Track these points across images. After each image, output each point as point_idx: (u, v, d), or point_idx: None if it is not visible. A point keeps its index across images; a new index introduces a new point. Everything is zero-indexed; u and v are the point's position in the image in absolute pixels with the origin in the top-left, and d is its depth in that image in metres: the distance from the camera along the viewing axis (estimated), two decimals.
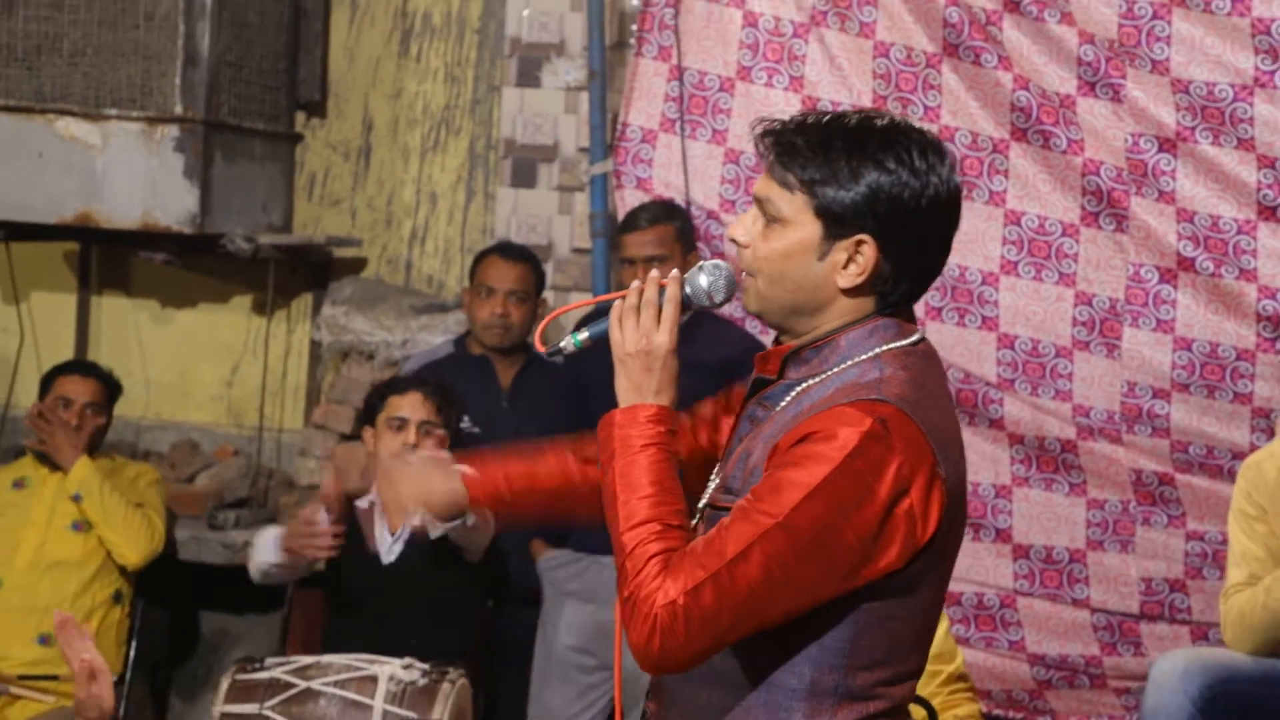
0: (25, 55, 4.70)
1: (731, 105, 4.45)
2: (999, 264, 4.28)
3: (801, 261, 1.97)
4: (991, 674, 4.33)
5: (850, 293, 1.98)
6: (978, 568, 4.35)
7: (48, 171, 4.71)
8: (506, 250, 4.54)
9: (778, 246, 1.98)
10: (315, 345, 5.23)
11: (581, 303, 2.21)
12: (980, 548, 4.35)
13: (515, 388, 4.37)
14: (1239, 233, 4.05)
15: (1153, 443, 4.20)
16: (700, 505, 2.07)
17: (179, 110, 4.67)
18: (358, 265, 5.32)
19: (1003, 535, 4.35)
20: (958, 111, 4.25)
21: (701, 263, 2.09)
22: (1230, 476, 4.06)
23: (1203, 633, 4.20)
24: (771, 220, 1.99)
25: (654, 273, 2.06)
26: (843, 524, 1.87)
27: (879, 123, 1.98)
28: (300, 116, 5.32)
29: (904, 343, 1.99)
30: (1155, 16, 4.01)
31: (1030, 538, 4.34)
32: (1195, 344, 4.15)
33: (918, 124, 2.02)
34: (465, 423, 4.29)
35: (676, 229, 4.16)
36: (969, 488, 4.23)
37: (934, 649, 3.33)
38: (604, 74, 4.71)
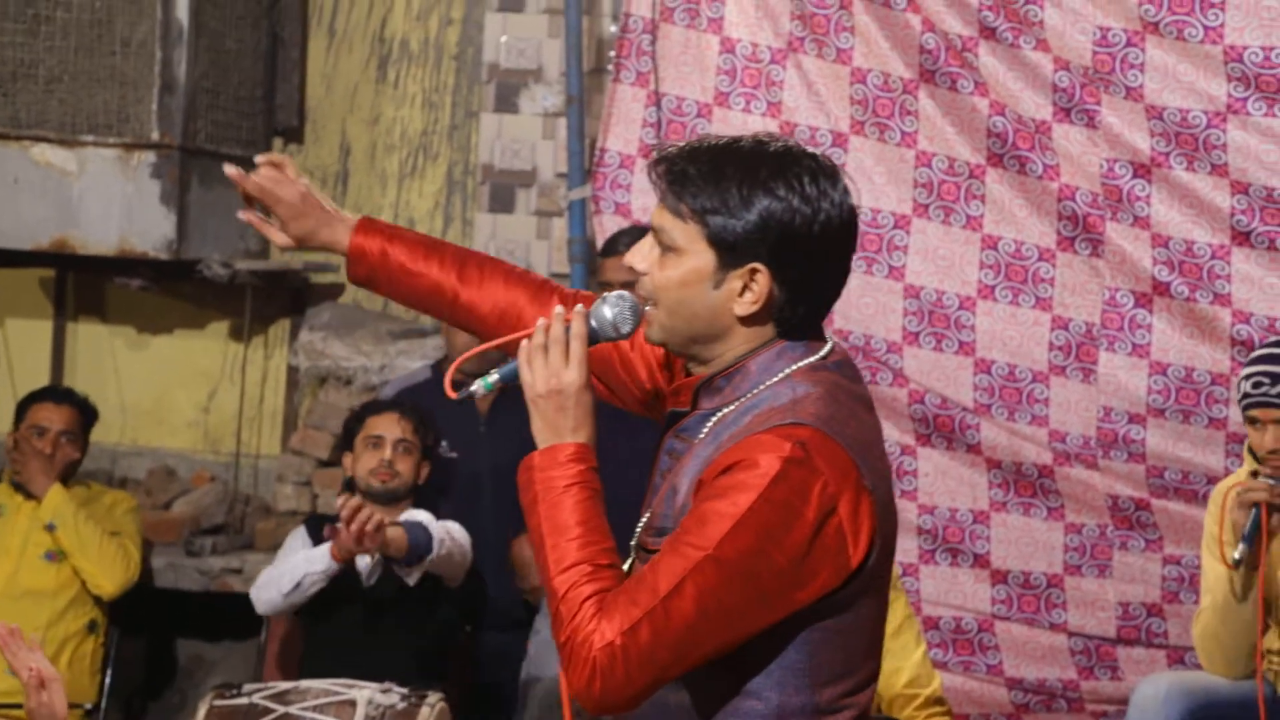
0: (1, 82, 4.69)
1: (709, 131, 4.46)
2: (976, 288, 4.30)
3: (697, 290, 1.96)
4: (969, 698, 4.33)
5: (747, 321, 1.97)
6: (956, 592, 4.35)
7: (23, 198, 4.70)
8: None
9: (673, 275, 1.97)
10: (292, 371, 5.22)
11: (489, 345, 2.20)
12: (958, 572, 4.35)
13: (493, 413, 4.37)
14: (1213, 258, 4.08)
15: (1129, 468, 4.22)
16: (631, 544, 2.05)
17: (156, 136, 4.67)
18: (335, 291, 5.31)
19: (980, 560, 4.35)
20: (934, 137, 4.28)
21: (605, 294, 2.06)
22: (1205, 501, 4.08)
23: (1179, 656, 4.21)
24: (667, 249, 1.98)
25: (558, 308, 2.03)
26: (772, 550, 1.87)
27: (771, 148, 1.97)
28: (278, 142, 5.31)
29: (813, 359, 1.98)
30: (1129, 44, 4.04)
31: (1008, 563, 4.35)
32: (1170, 369, 4.16)
33: (811, 149, 2.00)
34: (443, 447, 4.29)
35: None
36: (946, 512, 4.30)
37: (911, 673, 3.37)
38: (582, 100, 4.73)
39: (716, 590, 1.87)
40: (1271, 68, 3.91)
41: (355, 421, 4.14)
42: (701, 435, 1.99)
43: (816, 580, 1.89)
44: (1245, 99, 3.96)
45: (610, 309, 2.03)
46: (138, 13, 4.68)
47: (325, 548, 3.85)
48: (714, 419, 1.99)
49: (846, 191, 1.98)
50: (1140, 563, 4.26)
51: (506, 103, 5.06)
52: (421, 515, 3.91)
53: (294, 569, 3.89)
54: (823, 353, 2.00)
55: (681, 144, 2.02)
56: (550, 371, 1.99)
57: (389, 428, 4.05)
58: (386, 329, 5.11)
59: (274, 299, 5.26)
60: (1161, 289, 4.13)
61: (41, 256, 4.92)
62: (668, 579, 1.88)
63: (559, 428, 1.99)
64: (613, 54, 4.62)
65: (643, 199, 4.55)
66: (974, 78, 4.21)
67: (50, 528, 4.41)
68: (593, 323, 2.02)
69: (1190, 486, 4.17)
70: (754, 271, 1.94)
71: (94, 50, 4.68)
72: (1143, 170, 4.10)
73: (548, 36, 5.03)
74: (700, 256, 1.96)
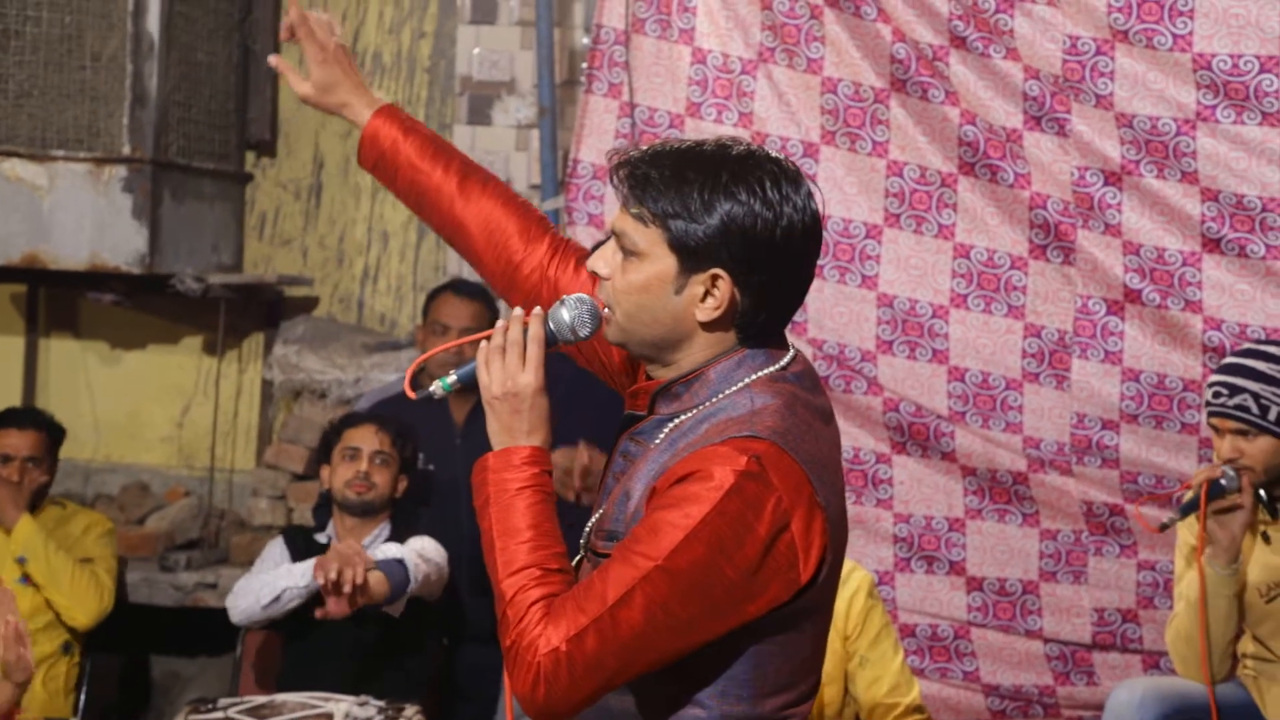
0: None
1: None
2: (949, 297, 4.31)
3: (659, 295, 1.95)
4: (946, 705, 4.34)
5: (709, 326, 1.96)
6: (931, 600, 4.36)
7: None
8: (460, 288, 4.54)
9: (635, 280, 1.95)
10: (267, 385, 5.21)
11: (449, 344, 2.20)
12: (934, 580, 4.36)
13: (469, 424, 4.36)
14: (1184, 265, 4.10)
15: (1103, 474, 4.23)
16: (580, 543, 2.05)
17: (127, 150, 4.66)
18: (309, 304, 5.30)
19: (956, 567, 4.36)
20: (906, 146, 4.29)
21: (564, 297, 2.05)
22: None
23: (1155, 661, 4.22)
24: (628, 254, 1.96)
25: (516, 310, 2.02)
26: (723, 563, 1.86)
27: (734, 151, 1.96)
28: (250, 156, 5.31)
29: (773, 368, 1.97)
30: (1098, 52, 4.06)
31: (984, 569, 4.36)
32: (1143, 375, 4.18)
33: (775, 153, 1.99)
34: (420, 459, 4.28)
35: None
36: (921, 519, 4.30)
37: (891, 681, 3.37)
38: (554, 111, 4.73)
39: (666, 601, 1.86)
40: (1240, 75, 3.93)
41: (333, 434, 4.13)
42: (658, 441, 1.98)
43: (766, 594, 1.89)
44: (1214, 106, 3.98)
45: (568, 312, 2.02)
46: (108, 27, 4.67)
47: (308, 563, 3.84)
48: (670, 425, 1.98)
49: (810, 196, 1.97)
50: (1115, 568, 4.27)
51: (479, 115, 5.06)
52: (393, 550, 3.88)
53: (274, 581, 3.88)
54: (783, 362, 1.99)
55: (644, 147, 2.00)
56: (507, 374, 1.98)
57: (366, 440, 4.05)
58: (361, 342, 5.10)
59: (248, 313, 5.25)
60: (1133, 296, 4.15)
61: (12, 272, 4.90)
62: (616, 588, 1.87)
63: (514, 430, 1.99)
64: (585, 65, 4.63)
65: (615, 209, 4.55)
66: (945, 87, 4.22)
67: (21, 560, 4.36)
68: (550, 325, 2.02)
69: (1164, 491, 4.19)
70: (715, 277, 1.93)
71: (64, 64, 4.67)
72: (1113, 178, 4.12)
73: (520, 49, 5.04)
74: (662, 261, 1.94)
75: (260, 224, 5.34)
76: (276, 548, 4.10)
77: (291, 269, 5.27)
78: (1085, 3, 4.03)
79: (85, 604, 4.38)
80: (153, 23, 4.66)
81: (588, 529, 2.06)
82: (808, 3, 4.32)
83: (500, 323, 2.01)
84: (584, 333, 2.03)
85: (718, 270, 1.93)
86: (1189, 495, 3.54)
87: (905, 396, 4.31)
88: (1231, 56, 3.95)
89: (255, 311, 5.27)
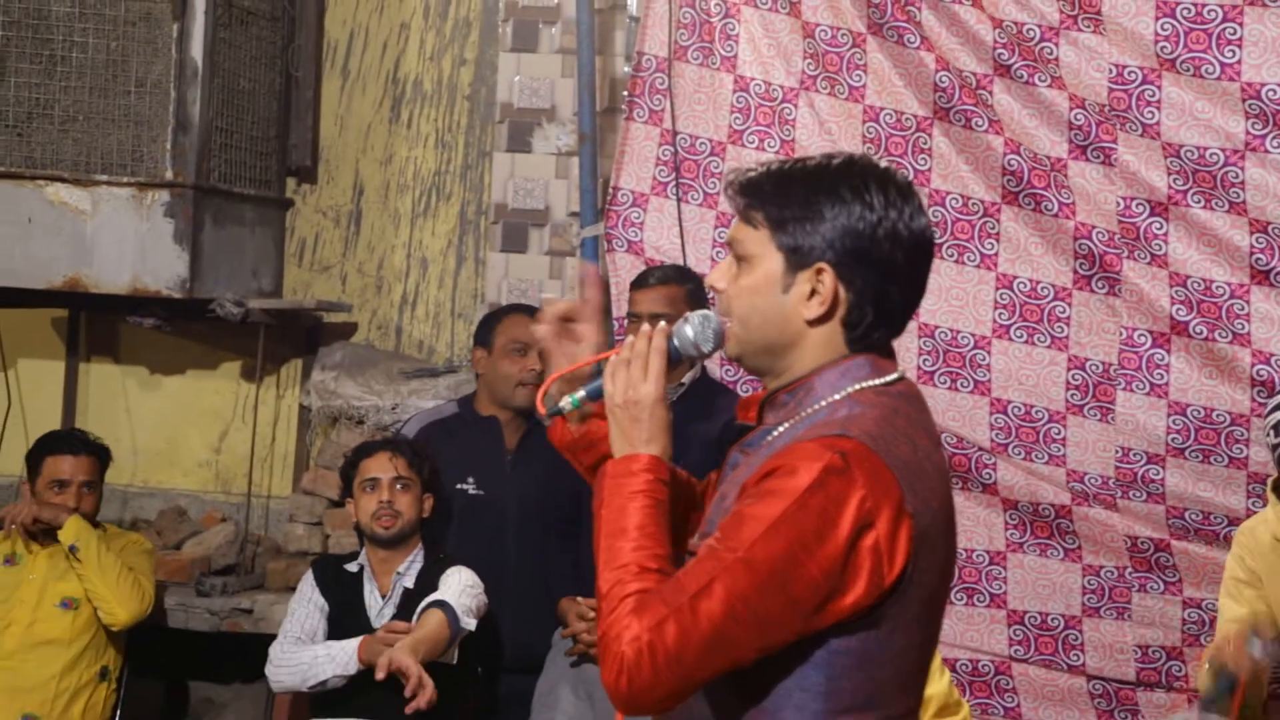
0: (16, 121, 4.70)
1: (723, 169, 4.45)
2: (991, 328, 4.27)
3: (768, 295, 2.01)
4: None
5: (816, 324, 2.00)
6: (972, 634, 4.30)
7: (37, 237, 4.70)
8: (531, 310, 4.48)
9: (746, 284, 2.03)
10: (304, 410, 5.20)
11: (580, 363, 2.23)
12: (974, 613, 4.31)
13: (520, 449, 4.33)
14: (1232, 297, 4.04)
15: (1148, 508, 4.17)
16: (685, 553, 2.07)
17: (169, 175, 4.67)
18: (348, 330, 5.30)
19: (997, 601, 4.30)
20: (948, 175, 4.26)
21: (688, 314, 2.12)
22: (1227, 542, 4.02)
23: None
24: (741, 260, 2.04)
25: (644, 326, 2.09)
26: (805, 559, 1.85)
27: (838, 160, 2.03)
28: (291, 182, 5.32)
29: (877, 381, 2.00)
30: (1145, 81, 4.02)
31: (1025, 604, 4.30)
32: (1190, 409, 4.12)
33: (885, 165, 2.05)
34: (469, 484, 4.25)
35: (687, 291, 4.08)
36: (961, 552, 4.25)
37: (940, 701, 3.32)
38: (595, 138, 4.72)
39: (746, 594, 1.86)
40: None
41: (349, 467, 4.12)
42: (762, 448, 2.00)
43: (849, 594, 1.87)
44: (1264, 136, 3.93)
45: (692, 328, 2.10)
46: (152, 53, 4.69)
47: (352, 647, 3.84)
48: (775, 432, 2.00)
49: (920, 208, 2.02)
50: (1160, 605, 4.21)
51: (519, 142, 5.06)
52: (441, 599, 3.88)
53: (319, 666, 3.88)
54: (889, 378, 2.01)
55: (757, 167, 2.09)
56: (629, 383, 2.04)
57: (383, 468, 4.03)
58: (399, 368, 5.09)
59: (286, 338, 5.25)
60: (1180, 328, 4.09)
61: (54, 296, 4.91)
62: (697, 579, 1.88)
63: (633, 438, 2.03)
64: (626, 93, 4.62)
65: (655, 236, 4.54)
66: (988, 115, 4.19)
67: (72, 550, 4.36)
68: (674, 341, 2.09)
69: (1211, 528, 4.12)
70: (819, 271, 1.98)
71: (109, 90, 4.69)
72: (1160, 208, 4.07)
73: (560, 76, 5.03)
74: (770, 260, 2.01)
75: (300, 250, 5.34)
76: (307, 585, 4.08)
77: (330, 295, 5.28)
78: (1132, 31, 4.00)
79: (128, 602, 4.39)
80: (197, 49, 4.68)
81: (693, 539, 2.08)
82: (850, 31, 4.29)
83: (629, 339, 2.08)
84: (707, 348, 2.11)
85: (822, 264, 1.98)
86: (1211, 680, 3.26)
87: (946, 428, 4.26)
88: None
89: (294, 337, 5.27)
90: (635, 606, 1.89)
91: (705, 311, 2.11)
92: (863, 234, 1.97)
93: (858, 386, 1.99)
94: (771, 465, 1.90)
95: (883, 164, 2.05)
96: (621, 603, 1.90)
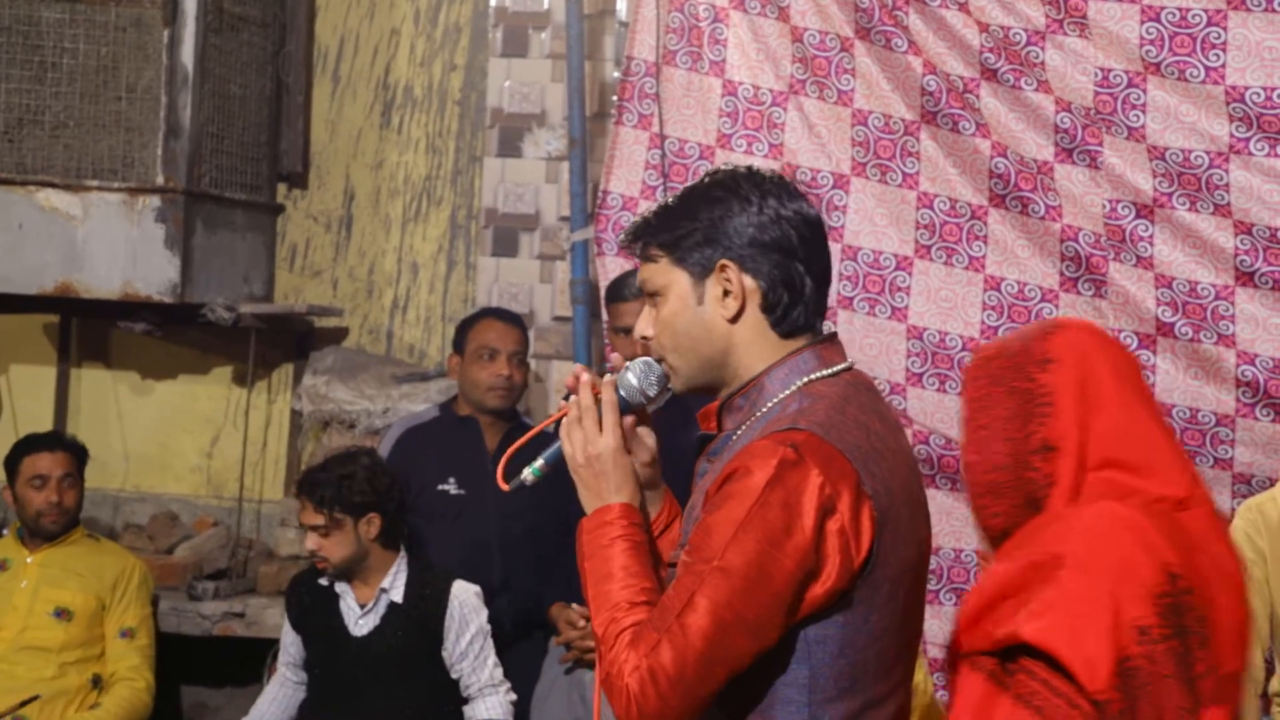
0: (7, 127, 4.71)
1: None
2: (979, 329, 4.29)
3: (686, 315, 2.07)
4: None
5: (737, 320, 2.05)
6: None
7: (28, 242, 4.71)
8: (503, 314, 4.52)
9: (665, 314, 2.08)
10: (296, 415, 5.22)
11: (531, 433, 2.27)
12: (955, 611, 4.32)
13: (501, 449, 4.34)
14: (1217, 298, 4.07)
15: None
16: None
17: (160, 181, 4.68)
18: (339, 335, 5.31)
19: None
20: (936, 178, 4.28)
21: (628, 363, 2.16)
22: None
23: None
24: (654, 297, 2.09)
25: (585, 376, 2.12)
26: (777, 554, 1.89)
27: (707, 176, 2.12)
28: (282, 187, 5.33)
29: (825, 373, 2.05)
30: (1130, 84, 4.05)
31: None
32: (1175, 410, 4.14)
33: (749, 166, 2.12)
34: (451, 484, 4.27)
35: None
36: (951, 552, 4.26)
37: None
38: (584, 143, 4.74)
39: (729, 600, 1.89)
40: (1274, 108, 3.91)
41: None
42: (724, 454, 2.04)
43: (823, 581, 1.91)
44: (1248, 139, 3.96)
45: (635, 376, 2.13)
46: (143, 59, 4.70)
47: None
48: (735, 436, 2.04)
49: (803, 198, 2.08)
50: None
51: (509, 147, 5.08)
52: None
53: None
54: (837, 368, 2.06)
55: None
56: (586, 440, 2.07)
57: (306, 516, 3.94)
58: (390, 373, 5.11)
59: (278, 343, 5.26)
60: (1165, 330, 4.12)
61: (45, 301, 4.92)
62: (680, 597, 1.91)
63: (601, 491, 2.06)
64: (615, 97, 4.64)
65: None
66: (975, 119, 4.22)
67: None
68: (621, 392, 2.12)
69: None
70: (723, 269, 2.04)
71: (99, 96, 4.70)
72: (1145, 211, 4.10)
73: (550, 81, 5.05)
74: (677, 283, 2.07)
75: (291, 255, 5.36)
76: (287, 622, 4.10)
77: (321, 300, 5.29)
78: (1117, 35, 4.03)
79: (143, 709, 4.46)
80: (187, 55, 4.70)
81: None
82: (838, 35, 4.32)
83: (572, 397, 2.11)
84: (652, 393, 2.14)
85: (724, 261, 2.04)
86: None
87: (935, 429, 4.28)
88: (1265, 89, 3.93)
89: (285, 342, 5.28)
90: (631, 639, 1.93)
91: (644, 359, 2.14)
92: (749, 224, 2.04)
93: (806, 379, 2.03)
94: (728, 470, 1.94)
95: (748, 167, 2.12)
96: (618, 639, 1.94)
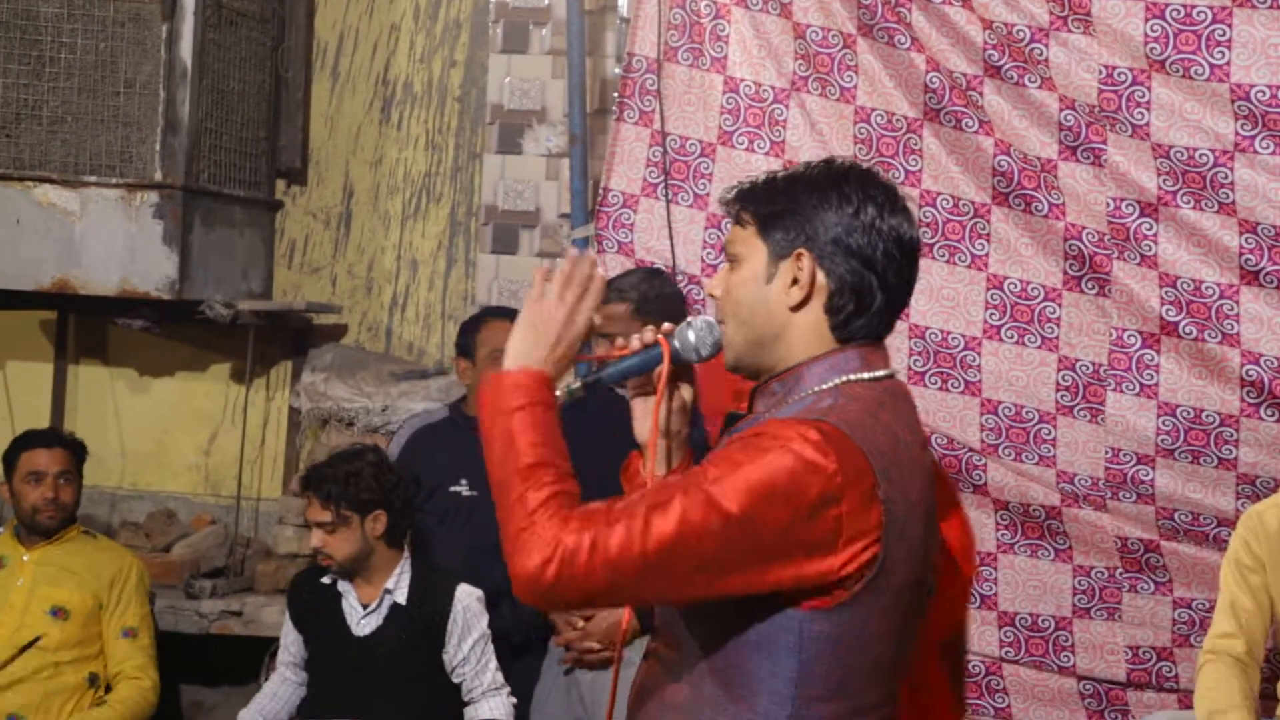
0: (4, 122, 4.69)
1: (713, 170, 4.45)
2: (981, 328, 4.27)
3: (754, 288, 2.07)
4: None
5: (799, 309, 2.05)
6: None
7: (26, 238, 4.69)
8: (509, 315, 4.46)
9: (735, 280, 2.09)
10: (294, 413, 5.20)
11: (581, 357, 2.24)
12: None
13: None
14: (1221, 297, 4.05)
15: (1138, 509, 4.17)
16: None
17: (158, 177, 4.66)
18: (338, 332, 5.29)
19: (988, 602, 4.30)
20: (939, 176, 4.26)
21: (691, 319, 2.17)
22: (1216, 543, 4.03)
23: (1190, 701, 4.15)
24: (732, 260, 2.11)
25: (590, 254, 2.19)
26: (764, 512, 1.87)
27: (823, 162, 2.11)
28: (281, 183, 5.31)
29: (865, 375, 2.04)
30: (1135, 82, 4.03)
31: (1016, 605, 4.30)
32: (1179, 409, 4.13)
33: (869, 167, 2.11)
34: (463, 486, 4.24)
35: (631, 306, 3.93)
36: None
37: None
38: (585, 140, 4.72)
39: (698, 526, 1.87)
40: (1279, 105, 3.89)
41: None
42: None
43: (790, 563, 1.89)
44: (1253, 137, 3.94)
45: (693, 333, 2.15)
46: (141, 54, 4.68)
47: None
48: (762, 420, 2.02)
49: (900, 210, 2.06)
50: (1150, 605, 4.21)
51: (510, 143, 5.05)
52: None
53: None
54: (877, 374, 2.05)
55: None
56: (565, 303, 2.06)
57: (313, 513, 3.89)
58: (389, 370, 5.08)
59: (276, 340, 5.24)
60: (1169, 329, 4.10)
61: (43, 297, 4.90)
62: (659, 494, 1.89)
63: (536, 345, 2.06)
64: (616, 94, 4.62)
65: (645, 238, 4.54)
66: (979, 116, 4.19)
67: None
68: (675, 342, 2.14)
69: (1200, 528, 4.13)
70: (799, 257, 2.04)
71: (97, 91, 4.68)
72: (1149, 209, 4.07)
73: (551, 78, 5.03)
74: (756, 254, 2.07)
75: (290, 251, 5.34)
76: (288, 612, 4.07)
77: (320, 297, 5.27)
78: (1121, 32, 4.00)
79: (147, 707, 4.43)
80: (186, 50, 4.67)
81: None
82: (841, 32, 4.30)
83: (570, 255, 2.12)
84: (705, 353, 2.16)
85: (801, 250, 2.04)
86: None
87: (937, 429, 4.26)
88: (1270, 87, 3.91)
89: (283, 339, 5.26)
90: (574, 508, 1.89)
91: (709, 320, 2.16)
92: (839, 223, 2.03)
93: (845, 379, 2.02)
94: (753, 431, 1.94)
95: (869, 168, 2.10)
96: (553, 499, 1.89)
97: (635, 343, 2.13)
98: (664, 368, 2.14)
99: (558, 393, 2.08)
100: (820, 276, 2.03)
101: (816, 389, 2.01)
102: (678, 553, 1.86)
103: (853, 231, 2.03)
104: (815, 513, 1.87)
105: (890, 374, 2.07)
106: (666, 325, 2.16)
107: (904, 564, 1.95)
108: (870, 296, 2.04)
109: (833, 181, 2.06)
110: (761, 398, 2.08)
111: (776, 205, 2.06)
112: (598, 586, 1.87)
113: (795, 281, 2.04)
